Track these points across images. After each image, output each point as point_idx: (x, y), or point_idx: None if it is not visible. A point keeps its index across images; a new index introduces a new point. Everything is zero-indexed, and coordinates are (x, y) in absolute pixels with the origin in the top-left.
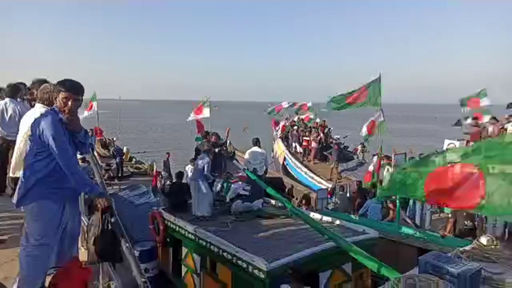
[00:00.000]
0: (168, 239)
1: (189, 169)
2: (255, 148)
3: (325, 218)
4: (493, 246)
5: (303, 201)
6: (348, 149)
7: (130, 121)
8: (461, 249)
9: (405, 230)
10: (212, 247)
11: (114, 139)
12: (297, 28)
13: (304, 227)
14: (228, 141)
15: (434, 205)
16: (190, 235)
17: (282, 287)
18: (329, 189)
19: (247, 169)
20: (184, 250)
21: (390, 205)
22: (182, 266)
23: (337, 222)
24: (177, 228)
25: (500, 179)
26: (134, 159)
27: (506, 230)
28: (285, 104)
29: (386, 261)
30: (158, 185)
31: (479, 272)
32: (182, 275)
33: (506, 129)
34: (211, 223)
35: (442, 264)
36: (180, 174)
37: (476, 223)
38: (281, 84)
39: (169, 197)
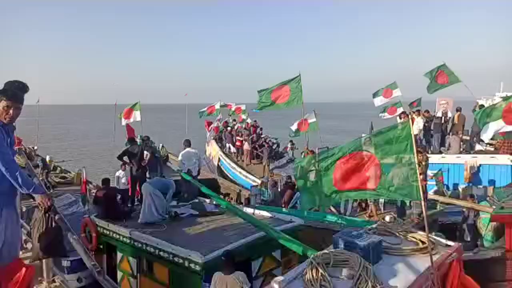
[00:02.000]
0: (101, 246)
1: (121, 174)
2: (188, 149)
3: (257, 212)
4: (394, 223)
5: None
6: (278, 148)
7: (48, 128)
8: (369, 226)
9: (329, 217)
10: (148, 248)
11: (35, 147)
12: (232, 28)
13: (238, 221)
14: (160, 145)
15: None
16: (125, 239)
17: (215, 274)
18: (259, 184)
19: (182, 171)
20: (119, 255)
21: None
22: (118, 271)
23: (268, 214)
24: (111, 234)
25: (391, 167)
26: (58, 168)
27: (415, 211)
28: (217, 105)
29: (313, 246)
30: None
31: (380, 243)
32: (118, 280)
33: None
34: (146, 226)
35: (352, 239)
36: (106, 181)
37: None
38: (217, 86)
39: (101, 204)
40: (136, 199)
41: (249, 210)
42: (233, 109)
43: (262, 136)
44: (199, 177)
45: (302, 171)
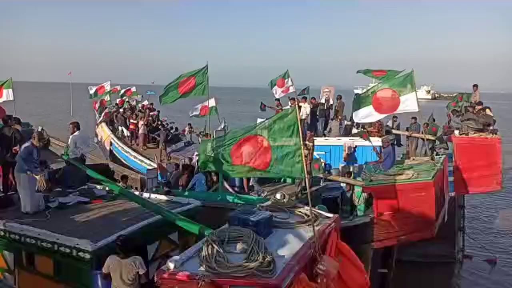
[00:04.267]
0: None
1: None
2: (79, 133)
3: (154, 196)
4: (284, 200)
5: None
6: (177, 131)
7: None
8: (262, 204)
9: (227, 197)
10: (28, 239)
11: None
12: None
13: (131, 206)
14: (40, 127)
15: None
16: None
17: (110, 257)
18: (155, 168)
19: (67, 156)
20: None
21: (214, 178)
22: None
23: (165, 198)
24: None
25: (281, 149)
26: None
27: (299, 188)
28: (107, 86)
29: (212, 226)
30: None
31: (270, 218)
32: None
33: (300, 107)
34: (25, 216)
35: (246, 216)
36: None
37: None
38: (103, 64)
39: None
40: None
41: (145, 195)
42: (121, 92)
43: (159, 119)
44: (89, 163)
45: (202, 151)
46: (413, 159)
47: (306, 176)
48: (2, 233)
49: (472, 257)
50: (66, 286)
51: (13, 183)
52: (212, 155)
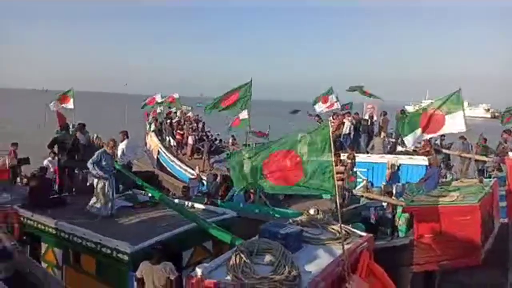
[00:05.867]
0: (24, 237)
1: (50, 162)
2: (128, 141)
3: (192, 204)
4: (318, 216)
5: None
6: (221, 142)
7: None
8: (294, 218)
9: (263, 209)
10: (75, 238)
11: None
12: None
13: (170, 213)
14: (95, 135)
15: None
16: (50, 229)
17: (142, 263)
18: (195, 176)
19: (118, 163)
20: (44, 246)
21: (252, 190)
22: (42, 263)
23: (202, 207)
24: (35, 224)
25: (313, 164)
26: None
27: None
28: (158, 97)
29: (245, 236)
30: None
31: (300, 232)
32: None
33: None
34: (76, 216)
35: (276, 229)
36: (43, 169)
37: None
38: (154, 76)
39: (30, 193)
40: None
41: (184, 203)
42: (167, 100)
43: (204, 130)
44: (136, 170)
45: (235, 163)
46: (461, 181)
47: (337, 192)
48: (54, 231)
49: None
50: (107, 286)
51: (68, 185)
52: (244, 170)
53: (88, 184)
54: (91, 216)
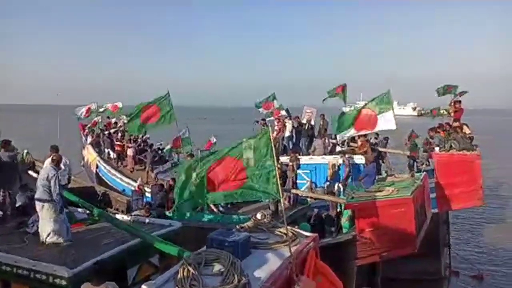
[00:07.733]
0: None
1: None
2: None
3: (136, 218)
4: (265, 220)
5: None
6: (163, 152)
7: None
8: (241, 224)
9: (210, 217)
10: (3, 267)
11: None
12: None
13: (112, 229)
14: (25, 151)
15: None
16: None
17: (83, 285)
18: (137, 187)
19: None
20: None
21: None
22: None
23: (147, 220)
24: None
25: (257, 169)
26: None
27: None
28: (93, 106)
29: (194, 246)
30: None
31: (248, 238)
32: None
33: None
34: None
35: (223, 237)
36: None
37: None
38: (89, 86)
39: None
40: None
41: (126, 218)
42: (109, 108)
43: (145, 140)
44: (74, 186)
45: (182, 176)
46: (395, 176)
47: (281, 196)
48: None
49: (459, 273)
50: None
51: None
52: (191, 184)
53: (17, 205)
54: (19, 240)
